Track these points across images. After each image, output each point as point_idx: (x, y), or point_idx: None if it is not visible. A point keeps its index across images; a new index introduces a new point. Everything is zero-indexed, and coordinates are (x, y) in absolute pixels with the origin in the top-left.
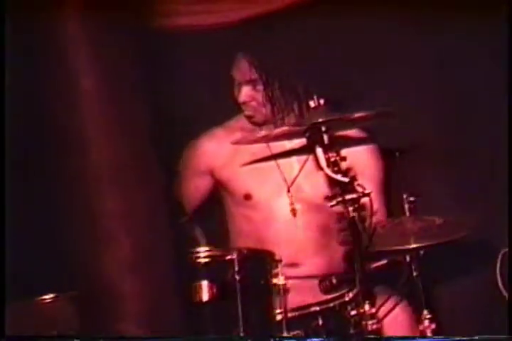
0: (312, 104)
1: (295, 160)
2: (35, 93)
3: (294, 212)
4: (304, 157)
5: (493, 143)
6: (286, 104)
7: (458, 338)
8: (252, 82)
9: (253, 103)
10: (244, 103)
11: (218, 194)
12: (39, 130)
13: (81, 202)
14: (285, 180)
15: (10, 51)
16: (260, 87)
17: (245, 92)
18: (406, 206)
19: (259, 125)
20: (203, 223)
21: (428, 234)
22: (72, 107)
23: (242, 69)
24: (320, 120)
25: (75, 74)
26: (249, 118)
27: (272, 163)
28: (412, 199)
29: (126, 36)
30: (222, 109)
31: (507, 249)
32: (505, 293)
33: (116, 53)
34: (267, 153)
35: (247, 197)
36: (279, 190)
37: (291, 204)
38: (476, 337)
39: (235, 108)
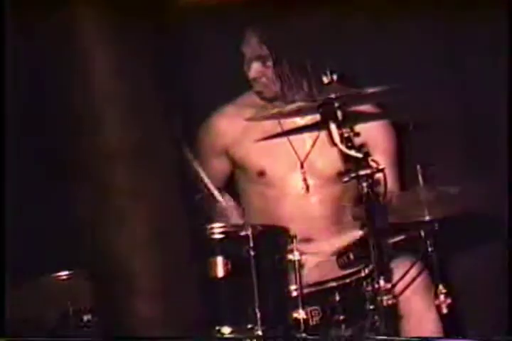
0: (325, 79)
1: (307, 136)
2: (45, 71)
3: (306, 187)
4: (315, 133)
5: (503, 117)
6: (296, 81)
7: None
8: (261, 58)
9: (263, 79)
10: (254, 79)
11: (233, 172)
12: (49, 107)
13: (94, 180)
14: (298, 156)
15: (13, 38)
16: (270, 63)
17: (255, 68)
18: (420, 176)
19: (269, 101)
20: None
21: (443, 204)
22: (83, 85)
23: (252, 44)
24: (333, 95)
25: (86, 52)
26: (259, 94)
27: (284, 139)
28: (425, 169)
29: (138, 12)
30: (234, 85)
31: None
32: None
33: (128, 30)
34: (279, 130)
35: (261, 173)
36: (292, 166)
37: (304, 179)
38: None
39: (246, 84)
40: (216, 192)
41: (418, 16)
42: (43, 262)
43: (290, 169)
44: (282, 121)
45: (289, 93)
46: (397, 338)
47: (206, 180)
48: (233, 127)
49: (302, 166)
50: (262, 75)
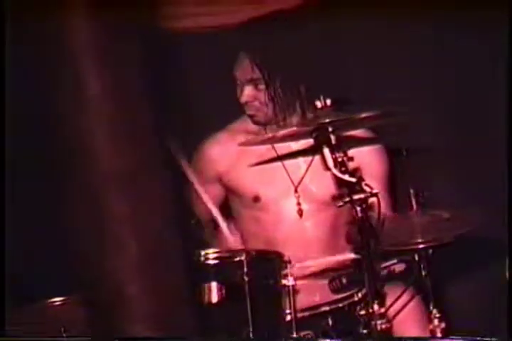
0: (319, 104)
1: (301, 161)
2: (39, 94)
3: (300, 212)
4: (309, 158)
5: (497, 140)
6: (289, 104)
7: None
8: (253, 81)
9: (255, 103)
10: (246, 103)
11: (227, 197)
12: (44, 133)
13: (89, 205)
14: (291, 181)
15: (11, 52)
16: (262, 86)
17: (247, 92)
18: (413, 201)
19: (262, 125)
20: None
21: (436, 228)
22: (78, 111)
23: (244, 68)
24: (327, 120)
25: (80, 78)
26: (251, 117)
27: (279, 164)
28: (419, 194)
29: (132, 38)
30: (227, 111)
31: None
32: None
33: (122, 56)
34: (273, 155)
35: (256, 199)
36: (287, 191)
37: (298, 204)
38: (485, 339)
39: (239, 110)
40: (219, 216)
41: (408, 39)
42: (37, 288)
43: (284, 194)
44: (276, 146)
45: (282, 116)
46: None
47: (209, 203)
48: (226, 154)
49: (296, 191)
50: (254, 99)
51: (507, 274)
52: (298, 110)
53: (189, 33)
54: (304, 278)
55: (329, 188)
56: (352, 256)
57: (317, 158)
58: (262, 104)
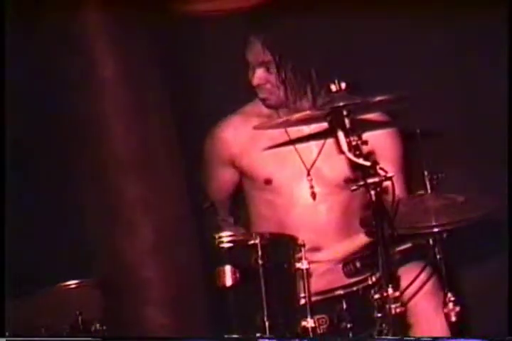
0: (333, 87)
1: (313, 145)
2: (53, 81)
3: (313, 195)
4: (322, 141)
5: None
6: (301, 86)
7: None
8: (265, 64)
9: (267, 85)
10: (258, 85)
11: (240, 180)
12: (58, 118)
13: (103, 189)
14: (304, 164)
15: (21, 38)
16: (274, 69)
17: (259, 75)
18: (427, 184)
19: (274, 108)
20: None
21: (450, 211)
22: (92, 95)
23: (255, 51)
24: (341, 104)
25: (94, 62)
26: (263, 101)
27: (291, 148)
28: (433, 176)
29: (145, 22)
30: (240, 94)
31: None
32: None
33: (135, 40)
34: (286, 138)
35: (267, 181)
36: (299, 174)
37: (311, 187)
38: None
39: (252, 93)
40: None
41: (428, 25)
42: (52, 271)
43: (297, 177)
44: (289, 129)
45: (294, 99)
46: (406, 338)
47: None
48: (239, 137)
49: (309, 174)
50: (266, 81)
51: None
52: (309, 93)
53: (201, 16)
54: (318, 261)
55: (342, 171)
56: (367, 239)
57: (329, 141)
58: (273, 87)
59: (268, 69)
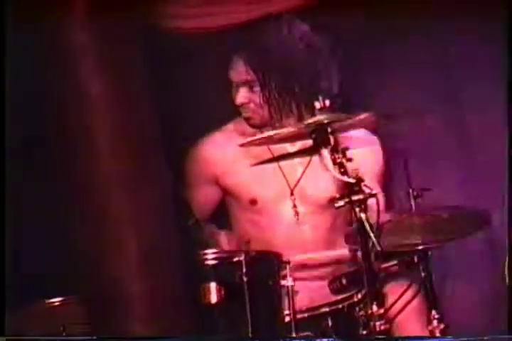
0: (317, 105)
1: (298, 163)
2: (40, 95)
3: (297, 214)
4: (306, 159)
5: (497, 141)
6: (285, 105)
7: (465, 338)
8: (248, 83)
9: (251, 105)
10: (241, 105)
11: (225, 200)
12: (45, 132)
13: (89, 205)
14: (288, 184)
15: (11, 53)
16: (257, 88)
17: (242, 94)
18: (412, 201)
19: (258, 127)
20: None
21: (435, 229)
22: (78, 111)
23: (239, 70)
24: (326, 121)
25: (81, 78)
26: (247, 120)
27: (275, 167)
28: (417, 193)
29: (132, 37)
30: (224, 112)
31: None
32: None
33: (122, 56)
34: (270, 156)
35: (253, 202)
36: (284, 194)
37: (294, 207)
38: (485, 338)
39: (235, 111)
40: None
41: (407, 39)
42: (36, 288)
43: (281, 197)
44: (272, 148)
45: (279, 118)
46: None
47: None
48: (223, 156)
49: (292, 193)
50: (250, 101)
51: (507, 276)
52: (294, 112)
53: (186, 33)
54: (303, 279)
55: (326, 191)
56: (346, 252)
57: (314, 161)
58: (257, 106)
59: (251, 88)
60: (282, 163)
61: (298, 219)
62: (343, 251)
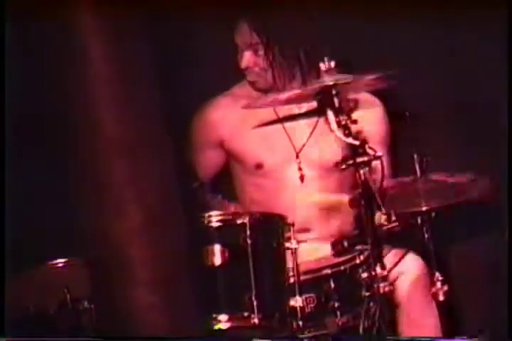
0: (323, 66)
1: (304, 127)
2: (46, 74)
3: (302, 178)
4: (312, 123)
5: (503, 105)
6: (289, 69)
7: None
8: (253, 47)
9: (255, 68)
10: (246, 68)
11: (229, 163)
12: (51, 108)
13: (91, 169)
14: (294, 147)
15: (15, 37)
16: (261, 52)
17: (247, 57)
18: (417, 167)
19: (263, 91)
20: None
21: (439, 195)
22: (78, 79)
23: (243, 33)
24: (331, 83)
25: (84, 54)
26: (252, 84)
27: (281, 131)
28: (422, 159)
29: (134, 4)
30: (229, 75)
31: None
32: None
33: (124, 22)
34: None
35: (259, 166)
36: (289, 158)
37: (300, 170)
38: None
39: (240, 75)
40: None
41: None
42: (39, 250)
43: (287, 160)
44: (278, 111)
45: (283, 82)
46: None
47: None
48: (228, 118)
49: (297, 156)
50: (254, 64)
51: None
52: (298, 76)
53: None
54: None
55: (332, 154)
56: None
57: (319, 124)
58: (262, 70)
59: (256, 52)
60: (288, 127)
61: (303, 182)
62: (347, 222)
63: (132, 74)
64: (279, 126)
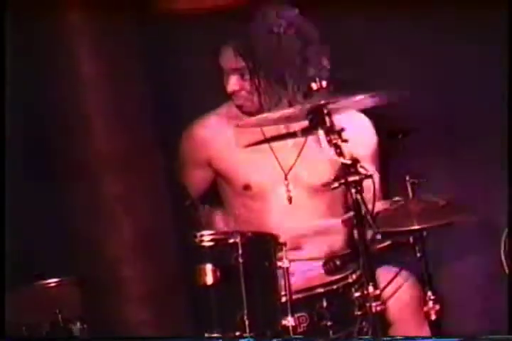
0: (314, 86)
1: (291, 148)
2: (38, 81)
3: (290, 199)
4: (300, 144)
5: (493, 127)
6: (275, 92)
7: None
8: (238, 71)
9: (242, 92)
10: (233, 92)
11: (216, 181)
12: (44, 117)
13: (85, 187)
14: (282, 168)
15: (11, 41)
16: (247, 76)
17: (233, 81)
18: (409, 188)
19: (251, 115)
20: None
21: (431, 216)
22: (75, 96)
23: (228, 58)
24: (323, 102)
25: (76, 63)
26: (239, 107)
27: (269, 152)
28: (414, 181)
29: (124, 19)
30: (217, 94)
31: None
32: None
33: (116, 39)
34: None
35: (246, 187)
36: (278, 179)
37: (288, 191)
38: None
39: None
40: None
41: (406, 20)
42: (31, 269)
43: (275, 182)
44: (266, 133)
45: (269, 106)
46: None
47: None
48: (217, 138)
49: (286, 178)
50: (241, 88)
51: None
52: (285, 100)
53: (178, 15)
54: (298, 260)
55: (320, 175)
56: (339, 220)
57: (308, 144)
58: (248, 94)
59: (242, 76)
60: (276, 148)
61: (291, 203)
62: (335, 220)
63: (124, 90)
64: (266, 147)
